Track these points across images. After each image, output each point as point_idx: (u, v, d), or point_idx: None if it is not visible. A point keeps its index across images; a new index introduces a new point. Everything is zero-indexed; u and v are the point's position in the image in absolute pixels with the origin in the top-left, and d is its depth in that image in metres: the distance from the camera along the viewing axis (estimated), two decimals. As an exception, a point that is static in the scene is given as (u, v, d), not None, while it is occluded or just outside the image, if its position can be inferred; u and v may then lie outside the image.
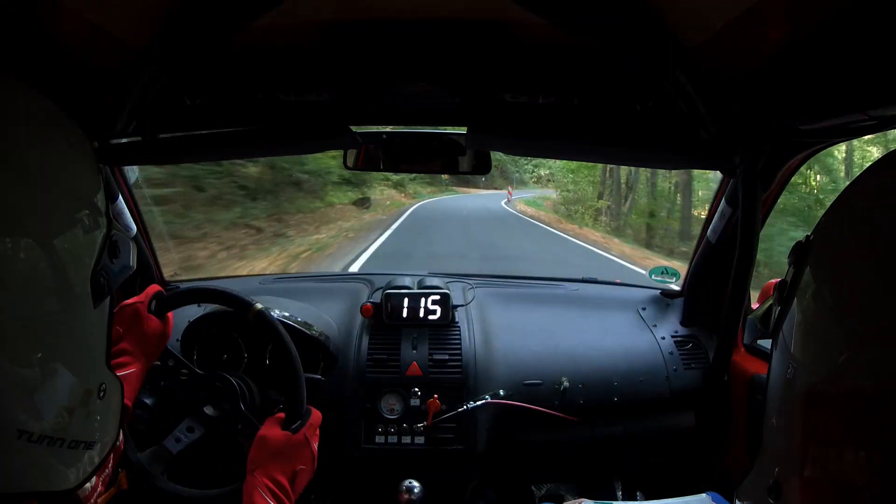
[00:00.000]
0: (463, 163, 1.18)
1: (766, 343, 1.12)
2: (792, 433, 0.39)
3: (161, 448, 0.95)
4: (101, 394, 0.50)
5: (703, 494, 0.87)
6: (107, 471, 0.68)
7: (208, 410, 0.98)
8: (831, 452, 0.35)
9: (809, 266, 0.41)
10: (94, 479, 0.57)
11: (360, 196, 12.28)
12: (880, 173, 0.40)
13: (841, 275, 0.38)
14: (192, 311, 1.16)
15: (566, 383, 1.22)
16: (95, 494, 0.66)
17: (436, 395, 1.19)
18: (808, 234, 0.44)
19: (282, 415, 0.87)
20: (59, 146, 0.47)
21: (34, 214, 0.43)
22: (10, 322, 0.40)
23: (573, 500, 0.89)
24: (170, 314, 0.97)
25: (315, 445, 0.86)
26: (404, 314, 1.30)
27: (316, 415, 0.89)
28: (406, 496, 1.10)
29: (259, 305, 0.94)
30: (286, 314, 1.17)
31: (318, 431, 0.89)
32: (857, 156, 7.55)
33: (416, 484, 1.11)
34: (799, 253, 0.43)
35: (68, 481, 0.48)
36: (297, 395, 0.89)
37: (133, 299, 0.91)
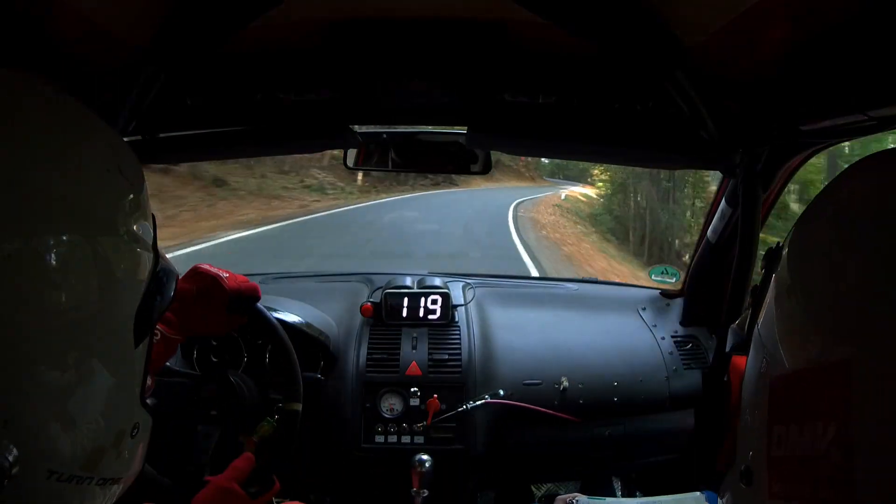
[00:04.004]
0: (462, 162, 1.18)
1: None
2: (759, 419, 0.42)
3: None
4: (134, 432, 0.49)
5: (698, 493, 0.87)
6: None
7: (214, 412, 0.98)
8: (792, 430, 0.37)
9: (783, 268, 0.43)
10: None
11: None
12: (852, 179, 0.41)
13: (805, 274, 0.41)
14: None
15: (566, 383, 1.22)
16: None
17: (435, 395, 1.19)
18: (779, 241, 0.47)
19: (241, 464, 0.85)
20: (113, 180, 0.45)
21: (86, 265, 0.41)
22: (49, 363, 0.39)
23: (567, 495, 0.89)
24: (243, 319, 0.92)
25: None
26: (404, 314, 1.30)
27: (276, 487, 0.88)
28: (419, 468, 1.10)
29: (298, 407, 0.92)
30: (286, 314, 1.17)
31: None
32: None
33: (426, 458, 1.11)
34: (770, 258, 0.46)
35: None
36: (268, 470, 0.88)
37: (229, 282, 0.86)
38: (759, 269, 0.49)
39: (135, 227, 0.46)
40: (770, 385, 0.40)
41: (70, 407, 0.41)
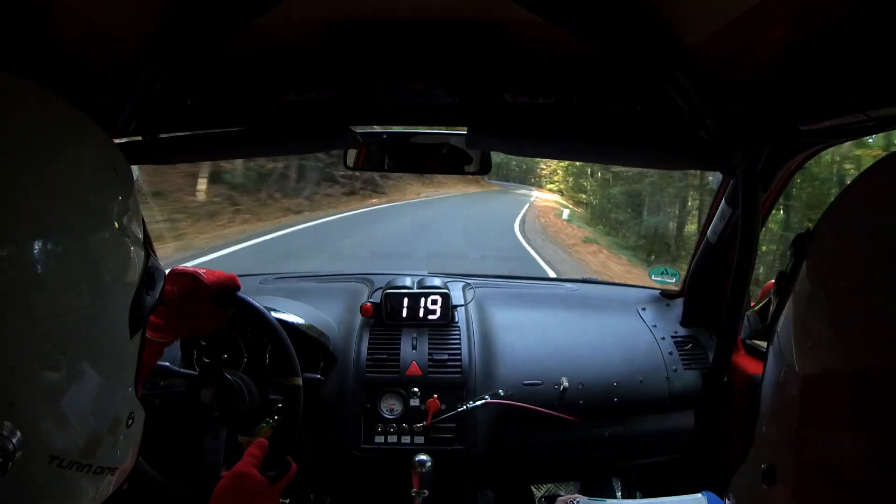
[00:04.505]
0: (462, 162, 1.18)
1: (763, 343, 1.12)
2: (787, 422, 0.40)
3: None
4: (130, 422, 0.51)
5: (699, 494, 0.87)
6: None
7: (216, 412, 0.98)
8: (827, 438, 0.36)
9: (808, 259, 0.41)
10: None
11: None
12: (886, 171, 0.39)
13: (839, 270, 0.39)
14: None
15: (566, 383, 1.22)
16: None
17: (435, 395, 1.19)
18: (810, 226, 0.44)
19: (256, 451, 0.85)
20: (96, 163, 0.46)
21: (75, 241, 0.42)
22: (48, 353, 0.41)
23: (568, 496, 0.89)
24: (230, 311, 0.91)
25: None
26: (404, 314, 1.30)
27: (293, 470, 0.88)
28: (419, 469, 1.11)
29: (298, 381, 0.92)
30: (286, 314, 1.17)
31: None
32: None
33: (426, 458, 1.12)
34: (799, 244, 0.43)
35: None
36: (282, 450, 0.88)
37: (208, 277, 0.86)
38: (788, 255, 0.46)
39: (127, 224, 0.47)
40: (801, 387, 0.38)
41: (69, 395, 0.42)
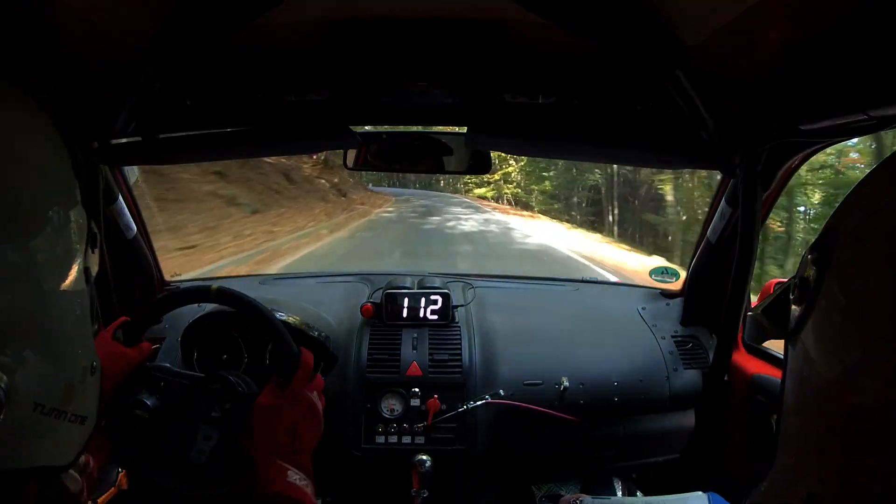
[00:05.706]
0: (462, 162, 1.18)
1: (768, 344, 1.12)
2: (829, 445, 0.35)
3: (188, 465, 0.94)
4: (93, 370, 0.54)
5: (700, 492, 0.87)
6: (90, 468, 0.69)
7: (215, 413, 0.98)
8: (880, 464, 0.32)
9: (835, 261, 0.36)
10: (81, 477, 0.63)
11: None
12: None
13: (868, 270, 0.34)
14: (192, 312, 1.16)
15: (566, 383, 1.22)
16: (87, 493, 0.67)
17: (436, 395, 1.19)
18: (833, 227, 0.38)
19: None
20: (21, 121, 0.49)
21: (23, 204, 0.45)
22: (26, 307, 0.44)
23: (571, 495, 0.90)
24: (145, 344, 0.93)
25: (311, 394, 0.83)
26: (404, 314, 1.30)
27: (305, 363, 0.84)
28: (419, 468, 1.12)
29: (215, 285, 0.91)
30: (286, 314, 1.17)
31: (316, 381, 0.85)
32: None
33: (426, 458, 1.12)
34: (824, 250, 0.37)
35: (67, 456, 0.52)
36: (282, 349, 0.86)
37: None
38: (809, 259, 0.39)
39: (77, 191, 0.52)
40: (844, 410, 0.33)
41: (47, 346, 0.46)
